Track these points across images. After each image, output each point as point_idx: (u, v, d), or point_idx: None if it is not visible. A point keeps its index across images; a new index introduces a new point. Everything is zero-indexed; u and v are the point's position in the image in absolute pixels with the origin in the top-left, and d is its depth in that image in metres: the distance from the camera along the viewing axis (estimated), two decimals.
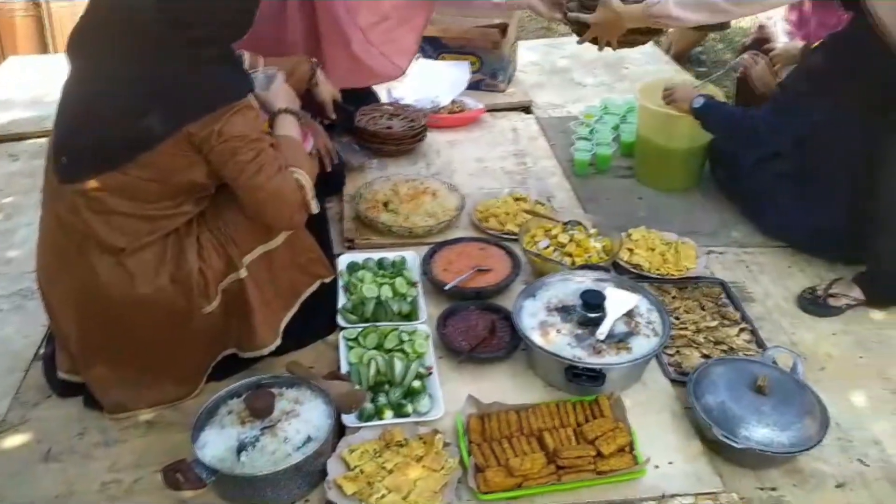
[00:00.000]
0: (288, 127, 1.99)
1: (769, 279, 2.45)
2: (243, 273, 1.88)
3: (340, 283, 2.28)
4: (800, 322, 2.28)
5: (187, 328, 1.85)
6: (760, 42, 3.13)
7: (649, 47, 4.18)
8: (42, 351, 2.13)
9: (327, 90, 2.54)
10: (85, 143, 1.73)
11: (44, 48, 4.47)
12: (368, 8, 2.65)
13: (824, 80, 2.36)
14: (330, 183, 2.60)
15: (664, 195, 2.88)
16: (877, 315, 2.31)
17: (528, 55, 4.11)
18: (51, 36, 4.44)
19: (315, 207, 1.91)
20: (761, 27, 3.19)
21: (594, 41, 2.52)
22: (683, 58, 4.19)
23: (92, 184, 1.71)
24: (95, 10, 1.74)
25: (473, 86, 3.52)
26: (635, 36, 2.47)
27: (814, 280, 2.42)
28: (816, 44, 2.56)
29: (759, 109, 2.57)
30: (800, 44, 2.84)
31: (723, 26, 3.95)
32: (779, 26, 3.04)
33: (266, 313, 1.95)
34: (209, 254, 1.84)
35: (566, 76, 3.95)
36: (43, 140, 3.21)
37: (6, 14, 4.44)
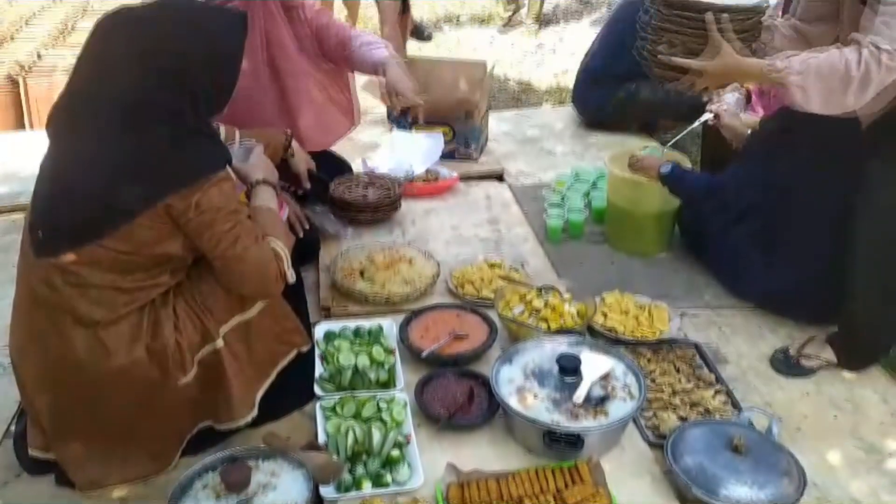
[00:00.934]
0: (266, 198, 2.02)
1: (742, 340, 2.49)
2: (220, 343, 1.87)
3: (317, 352, 2.27)
4: (773, 382, 2.31)
5: (163, 401, 1.84)
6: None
7: None
8: (13, 428, 2.09)
9: (303, 161, 2.58)
10: (62, 216, 1.74)
11: (21, 125, 4.49)
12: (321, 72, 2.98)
13: (780, 146, 2.44)
14: (305, 251, 2.62)
15: (636, 259, 2.93)
16: (848, 374, 2.34)
17: (500, 125, 4.21)
18: (27, 113, 4.46)
19: (291, 277, 1.92)
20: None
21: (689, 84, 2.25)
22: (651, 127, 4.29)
23: (68, 257, 1.71)
24: (75, 84, 1.77)
25: (447, 155, 3.59)
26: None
27: (785, 340, 2.46)
28: (769, 116, 2.66)
29: (724, 174, 2.65)
30: (751, 119, 2.93)
31: None
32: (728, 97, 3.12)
33: (242, 384, 1.94)
34: (185, 325, 1.83)
35: (536, 145, 4.04)
36: (16, 216, 3.20)
37: None
